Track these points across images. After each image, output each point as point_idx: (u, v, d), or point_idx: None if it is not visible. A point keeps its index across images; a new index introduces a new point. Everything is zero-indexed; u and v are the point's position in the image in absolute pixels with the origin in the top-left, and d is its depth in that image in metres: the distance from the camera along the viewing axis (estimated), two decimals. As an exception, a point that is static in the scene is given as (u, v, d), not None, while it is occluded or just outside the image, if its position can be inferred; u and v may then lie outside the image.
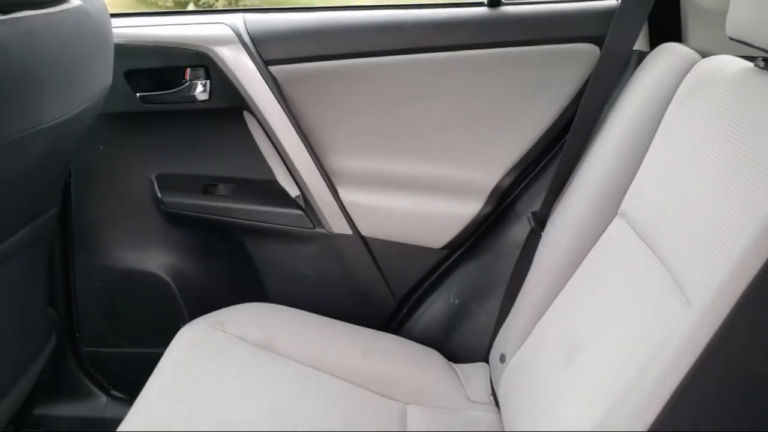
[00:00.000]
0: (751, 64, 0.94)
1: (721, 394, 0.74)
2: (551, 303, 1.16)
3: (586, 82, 1.30)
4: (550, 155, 1.42)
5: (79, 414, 1.60)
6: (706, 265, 0.78)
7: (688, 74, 1.03)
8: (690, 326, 0.74)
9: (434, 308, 1.50)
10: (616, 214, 1.09)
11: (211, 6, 6.76)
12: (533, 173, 1.44)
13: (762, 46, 0.85)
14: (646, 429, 0.75)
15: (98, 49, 1.11)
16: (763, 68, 0.91)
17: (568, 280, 1.14)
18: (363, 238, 1.46)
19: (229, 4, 6.80)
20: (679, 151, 0.98)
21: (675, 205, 0.93)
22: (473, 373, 1.33)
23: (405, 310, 1.52)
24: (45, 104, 0.96)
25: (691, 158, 0.93)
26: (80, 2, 1.06)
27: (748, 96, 0.88)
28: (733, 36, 0.91)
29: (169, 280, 1.50)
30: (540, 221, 1.28)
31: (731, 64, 0.97)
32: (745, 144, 0.82)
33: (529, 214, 1.29)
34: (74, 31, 1.03)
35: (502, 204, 1.46)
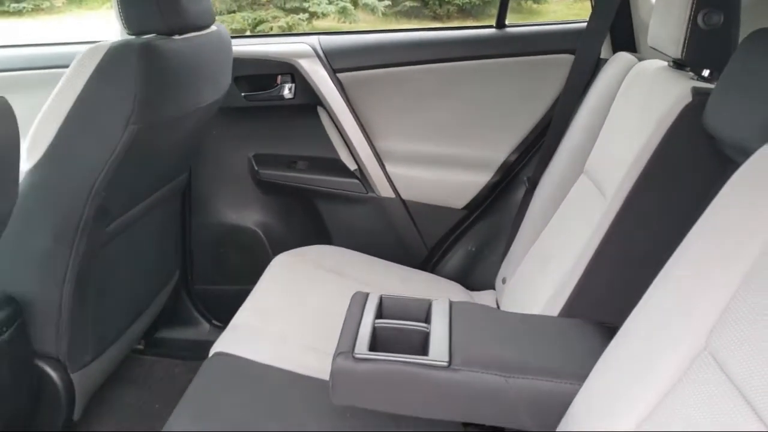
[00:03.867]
0: (665, 64, 1.40)
1: (626, 257, 1.19)
2: (537, 238, 1.62)
3: (567, 82, 1.77)
4: (545, 137, 1.88)
5: (187, 338, 2.08)
6: (618, 176, 1.24)
7: (628, 74, 1.48)
8: (603, 211, 1.21)
9: (457, 254, 1.97)
10: (582, 172, 1.55)
11: (266, 32, 7.36)
12: (532, 151, 1.90)
13: (667, 53, 1.31)
14: (576, 284, 1.22)
15: (226, 59, 1.64)
16: (672, 67, 1.37)
17: (549, 221, 1.60)
18: (403, 201, 1.94)
19: (283, 30, 7.40)
20: (618, 127, 1.44)
21: (613, 159, 1.38)
22: (484, 297, 1.79)
23: (435, 257, 1.99)
24: (200, 93, 1.49)
25: (623, 130, 1.39)
26: (216, 28, 1.59)
27: (657, 86, 1.33)
28: (651, 45, 1.38)
29: (260, 232, 2.00)
30: (533, 183, 1.75)
31: (654, 65, 1.43)
32: (650, 114, 1.27)
33: (525, 178, 1.77)
34: (215, 47, 1.56)
35: (509, 175, 1.93)
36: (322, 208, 2.01)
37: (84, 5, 6.63)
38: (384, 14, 7.74)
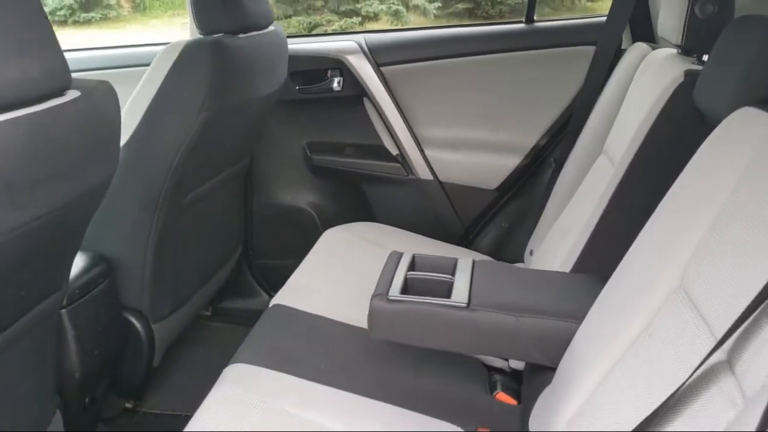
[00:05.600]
0: (675, 51, 1.55)
1: (628, 218, 1.35)
2: (561, 213, 1.78)
3: (591, 71, 1.93)
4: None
5: (248, 307, 2.29)
6: (624, 148, 1.40)
7: (641, 63, 1.64)
8: (610, 175, 1.38)
9: (490, 231, 2.15)
10: (601, 152, 1.70)
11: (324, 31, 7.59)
12: (560, 135, 2.06)
13: (672, 40, 1.46)
14: (585, 243, 1.39)
15: (282, 55, 1.87)
16: (680, 53, 1.52)
17: (571, 197, 1.76)
18: (440, 182, 2.13)
19: (341, 28, 7.58)
20: (631, 109, 1.59)
21: (625, 136, 1.54)
22: (514, 268, 1.96)
23: (471, 235, 2.17)
24: (260, 85, 1.72)
25: (635, 110, 1.54)
26: (274, 28, 1.81)
27: (665, 69, 1.48)
28: (660, 35, 1.54)
29: (313, 212, 2.23)
30: (558, 164, 1.91)
31: (665, 52, 1.58)
32: (652, 93, 1.43)
33: (552, 159, 1.94)
34: (273, 44, 1.79)
35: (539, 158, 2.09)
36: (367, 189, 2.22)
37: (148, 13, 7.03)
38: (435, 16, 7.89)
